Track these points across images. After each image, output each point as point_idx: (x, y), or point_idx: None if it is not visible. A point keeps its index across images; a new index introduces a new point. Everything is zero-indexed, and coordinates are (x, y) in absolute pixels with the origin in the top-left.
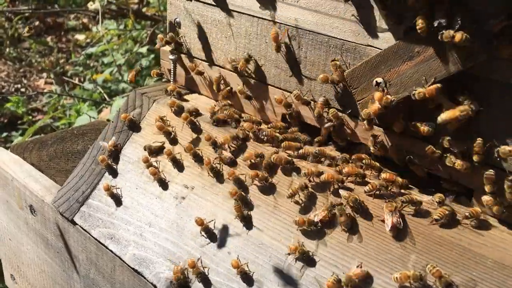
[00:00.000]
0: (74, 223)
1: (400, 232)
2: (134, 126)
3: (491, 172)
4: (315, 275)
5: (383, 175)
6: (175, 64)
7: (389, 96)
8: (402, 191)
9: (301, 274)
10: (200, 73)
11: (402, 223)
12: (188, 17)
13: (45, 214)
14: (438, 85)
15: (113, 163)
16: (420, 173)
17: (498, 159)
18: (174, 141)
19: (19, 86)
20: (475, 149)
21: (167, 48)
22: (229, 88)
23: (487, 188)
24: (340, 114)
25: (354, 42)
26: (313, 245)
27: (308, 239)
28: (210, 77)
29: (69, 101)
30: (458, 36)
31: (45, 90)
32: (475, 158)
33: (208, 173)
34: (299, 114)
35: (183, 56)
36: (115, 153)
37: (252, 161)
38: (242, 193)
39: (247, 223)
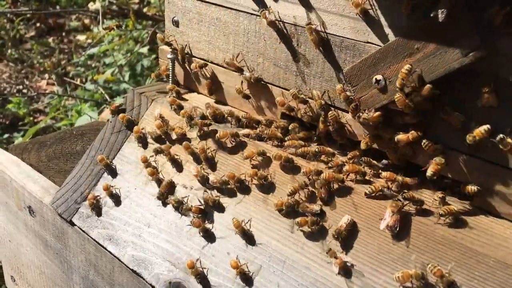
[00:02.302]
0: (73, 224)
1: (401, 232)
2: (132, 126)
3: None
4: (315, 276)
5: (383, 173)
6: (173, 63)
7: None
8: (404, 190)
9: (301, 275)
10: (204, 66)
11: (398, 228)
12: (187, 16)
13: (44, 215)
14: (430, 85)
15: (112, 163)
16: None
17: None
18: (173, 140)
19: (21, 87)
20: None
21: (166, 47)
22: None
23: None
24: (339, 116)
25: (353, 39)
26: (313, 246)
27: (309, 240)
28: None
29: (71, 102)
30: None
31: (47, 91)
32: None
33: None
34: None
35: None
36: (97, 206)
37: (254, 159)
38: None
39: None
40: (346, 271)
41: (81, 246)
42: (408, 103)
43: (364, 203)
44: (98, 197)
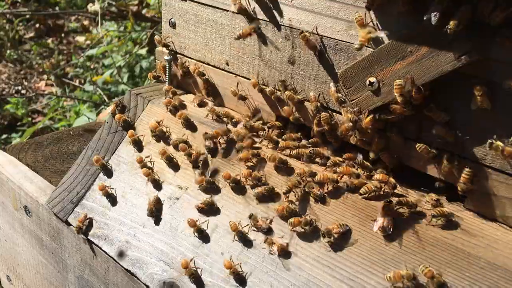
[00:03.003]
0: (68, 224)
1: (393, 233)
2: (128, 126)
3: None
4: (308, 276)
5: (376, 175)
6: (170, 65)
7: None
8: (397, 191)
9: (294, 275)
10: (202, 75)
11: (391, 229)
12: (183, 17)
13: (40, 215)
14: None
15: (108, 163)
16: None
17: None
18: (168, 140)
19: (19, 88)
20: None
21: (163, 49)
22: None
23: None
24: (332, 118)
25: (348, 42)
26: (306, 246)
27: (302, 241)
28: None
29: (69, 103)
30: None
31: (45, 92)
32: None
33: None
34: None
35: (178, 56)
36: (85, 231)
37: (248, 161)
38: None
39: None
40: (285, 253)
41: (77, 246)
42: (406, 110)
43: (357, 204)
44: (91, 219)
